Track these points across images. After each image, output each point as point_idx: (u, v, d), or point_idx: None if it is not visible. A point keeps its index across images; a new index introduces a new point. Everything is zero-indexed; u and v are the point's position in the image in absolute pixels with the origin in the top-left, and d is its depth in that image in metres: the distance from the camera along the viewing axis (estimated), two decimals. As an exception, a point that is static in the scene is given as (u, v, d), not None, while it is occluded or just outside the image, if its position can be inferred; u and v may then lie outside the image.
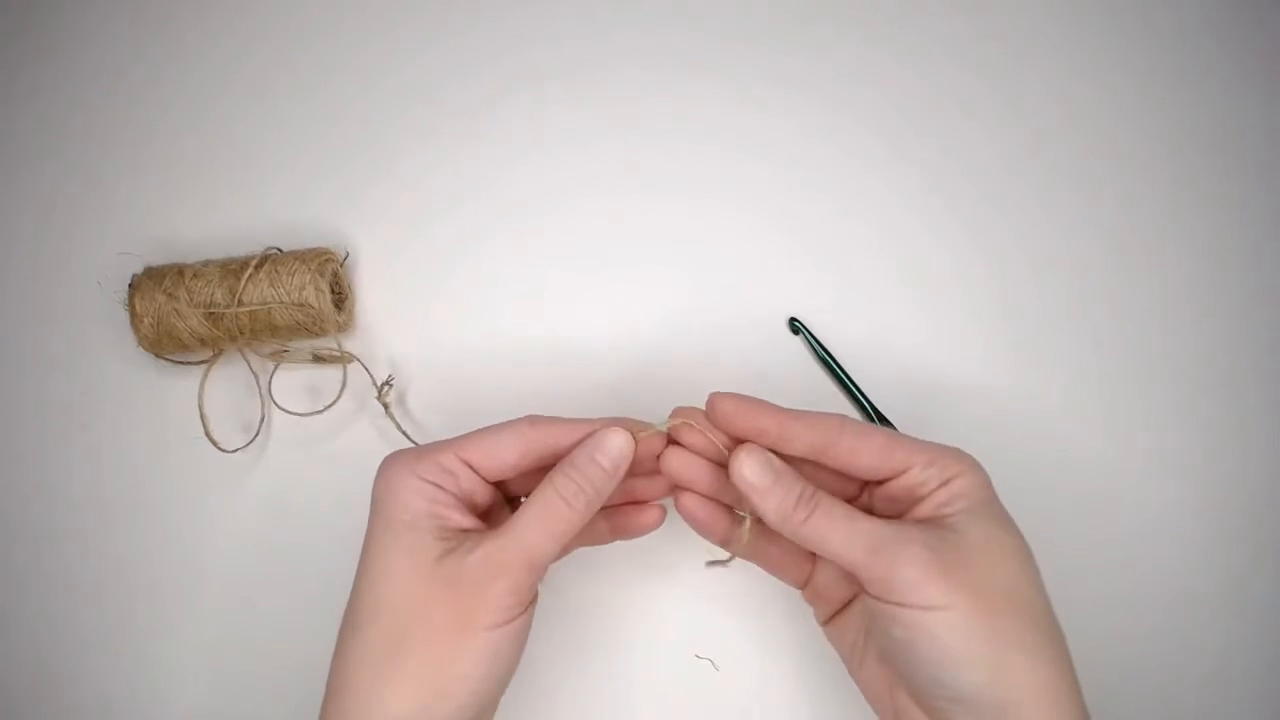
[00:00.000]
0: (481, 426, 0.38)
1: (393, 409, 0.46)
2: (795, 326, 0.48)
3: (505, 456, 0.37)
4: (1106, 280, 0.48)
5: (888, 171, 0.50)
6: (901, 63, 0.51)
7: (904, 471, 0.35)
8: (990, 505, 0.35)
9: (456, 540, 0.35)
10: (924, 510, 0.35)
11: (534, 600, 0.36)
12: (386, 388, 0.46)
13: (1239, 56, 0.51)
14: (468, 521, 0.36)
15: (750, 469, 0.36)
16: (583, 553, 0.44)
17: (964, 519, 0.34)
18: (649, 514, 0.41)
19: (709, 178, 0.50)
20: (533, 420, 0.37)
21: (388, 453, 0.41)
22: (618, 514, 0.41)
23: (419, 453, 0.36)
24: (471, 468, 0.37)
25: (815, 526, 0.35)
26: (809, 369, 0.48)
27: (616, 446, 0.36)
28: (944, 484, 0.35)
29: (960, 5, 0.51)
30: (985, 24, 0.51)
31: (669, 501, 0.41)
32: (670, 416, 0.38)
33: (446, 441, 0.37)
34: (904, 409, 0.47)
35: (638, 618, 0.45)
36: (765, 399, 0.37)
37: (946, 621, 0.32)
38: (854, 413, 0.47)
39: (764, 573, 0.42)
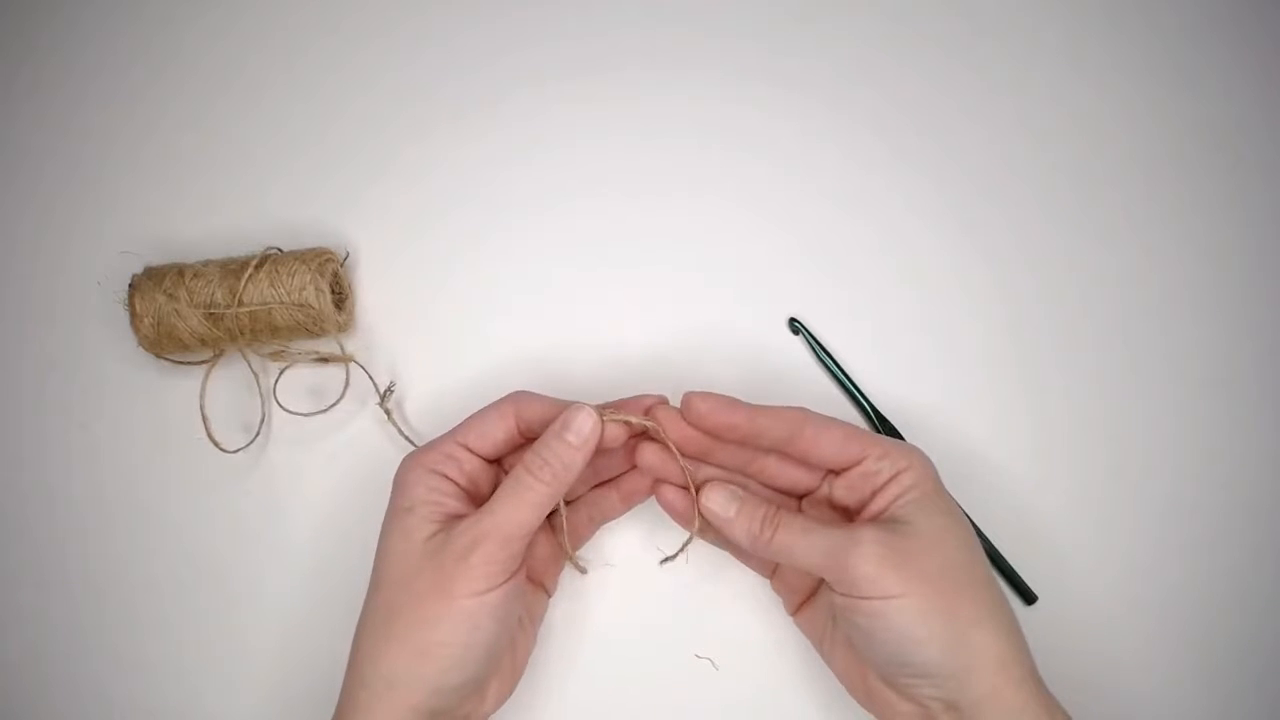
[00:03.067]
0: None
1: (394, 414, 0.46)
2: (795, 326, 0.48)
3: (495, 434, 0.40)
4: (1106, 280, 0.48)
5: (888, 171, 0.50)
6: (901, 63, 0.51)
7: (860, 461, 0.39)
8: (936, 496, 0.38)
9: (450, 524, 0.38)
10: (878, 504, 0.38)
11: (514, 577, 0.37)
12: (388, 394, 0.46)
13: (1239, 56, 0.51)
14: (462, 508, 0.38)
15: (715, 502, 0.39)
16: (582, 552, 0.45)
17: (912, 509, 0.37)
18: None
19: (709, 178, 0.50)
20: (516, 398, 0.40)
21: (388, 451, 0.47)
22: (624, 481, 0.43)
23: (428, 445, 0.40)
24: (469, 450, 0.39)
25: (780, 543, 0.38)
26: (809, 369, 0.48)
27: (583, 425, 0.38)
28: (894, 477, 0.38)
29: (960, 5, 0.51)
30: (985, 24, 0.51)
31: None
32: (646, 416, 0.40)
33: (448, 432, 0.40)
34: (904, 409, 0.47)
35: (638, 617, 0.45)
36: (757, 400, 0.39)
37: (903, 607, 0.35)
38: (855, 414, 0.47)
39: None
